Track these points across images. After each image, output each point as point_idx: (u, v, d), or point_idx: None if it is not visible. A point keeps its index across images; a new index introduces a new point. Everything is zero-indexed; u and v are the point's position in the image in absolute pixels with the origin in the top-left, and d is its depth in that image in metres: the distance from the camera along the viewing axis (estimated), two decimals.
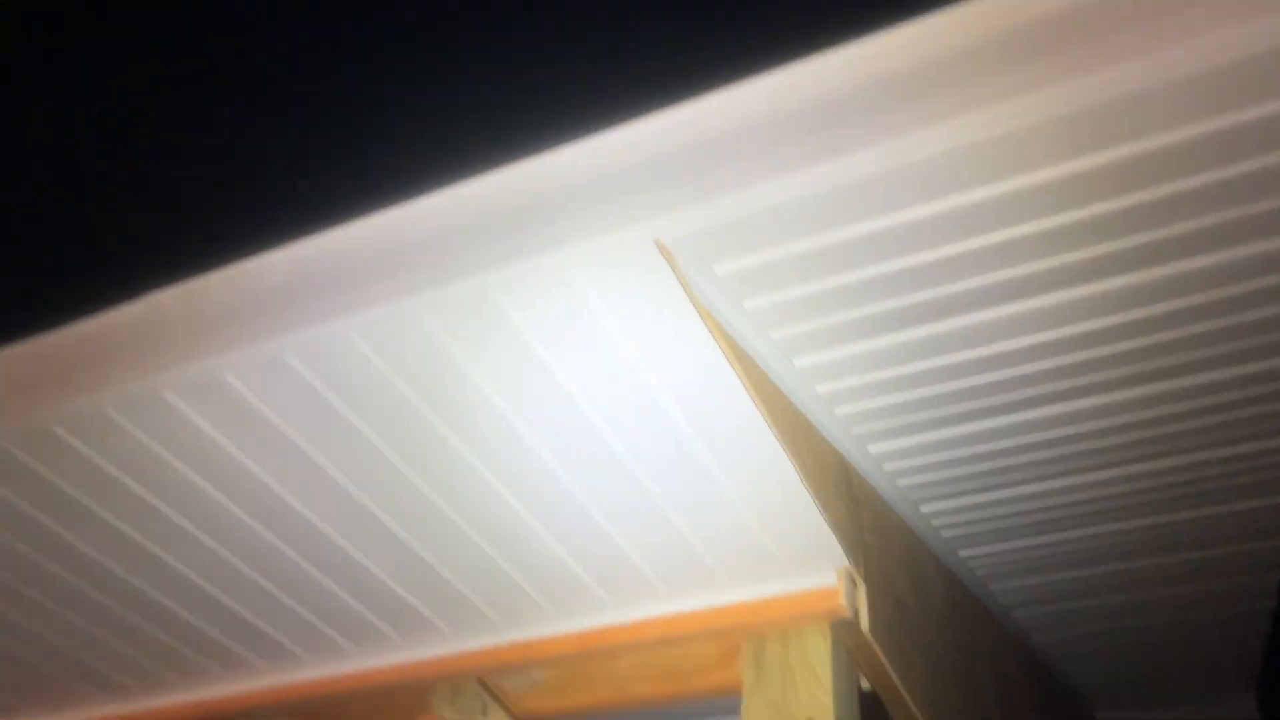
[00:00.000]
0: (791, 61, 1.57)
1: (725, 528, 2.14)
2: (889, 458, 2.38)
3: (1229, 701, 3.90)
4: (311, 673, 2.63)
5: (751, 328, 1.89)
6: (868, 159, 1.56)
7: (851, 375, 2.07)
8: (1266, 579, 3.12)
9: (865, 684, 2.30)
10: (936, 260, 1.76)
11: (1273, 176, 1.58)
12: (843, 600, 2.12)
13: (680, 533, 2.16)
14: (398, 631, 2.52)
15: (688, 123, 1.61)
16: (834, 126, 1.55)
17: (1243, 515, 2.68)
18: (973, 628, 3.01)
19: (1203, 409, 2.20)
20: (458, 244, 1.74)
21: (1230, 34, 1.38)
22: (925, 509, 2.64)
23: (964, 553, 2.93)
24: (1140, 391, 2.14)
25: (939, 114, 1.50)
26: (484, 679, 2.47)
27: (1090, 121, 1.48)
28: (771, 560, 2.18)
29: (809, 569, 2.17)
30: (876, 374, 2.07)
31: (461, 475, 2.08)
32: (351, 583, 2.40)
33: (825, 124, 1.56)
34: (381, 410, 1.97)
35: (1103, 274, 1.80)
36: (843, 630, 2.17)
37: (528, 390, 1.89)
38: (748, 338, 1.91)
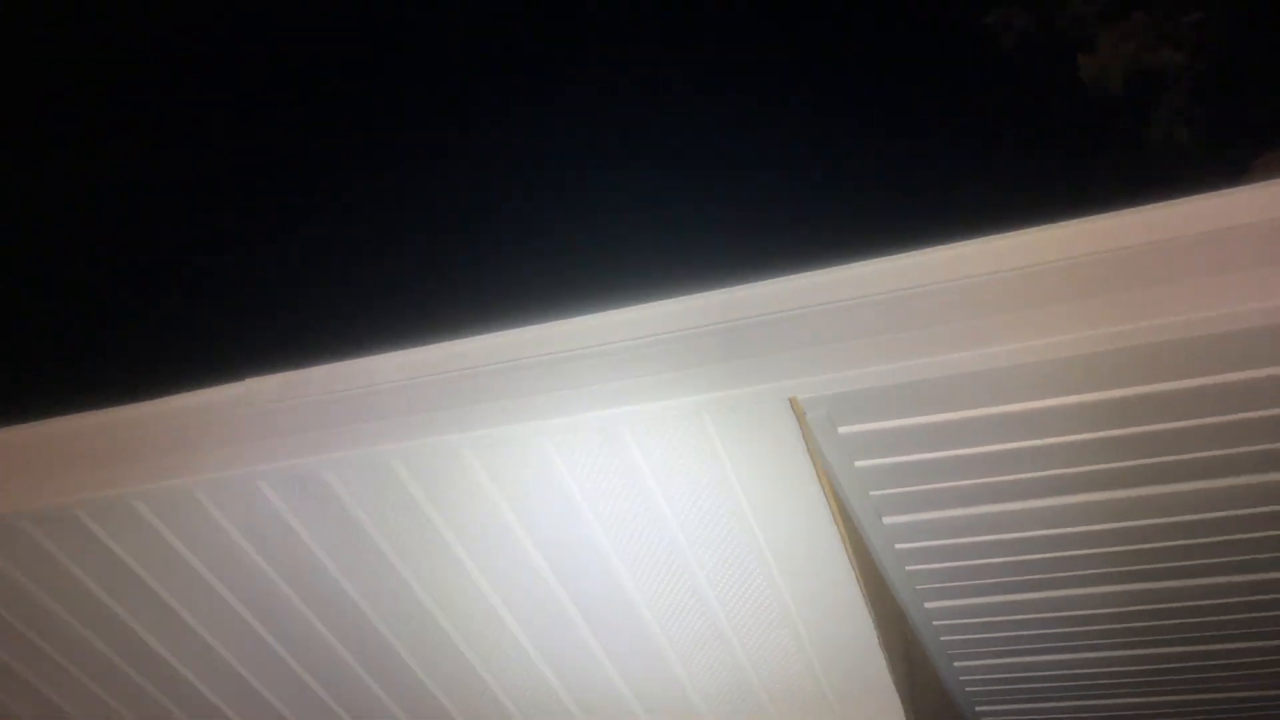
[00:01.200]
0: (951, 241, 1.61)
1: (787, 665, 2.11)
2: (940, 614, 2.38)
3: None
4: None
5: (856, 485, 1.90)
6: (1001, 353, 1.58)
7: (929, 537, 2.08)
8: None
9: None
10: (1020, 450, 1.79)
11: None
12: None
13: (738, 661, 2.13)
14: None
15: (841, 286, 1.63)
16: (981, 315, 1.58)
17: (1243, 702, 2.74)
18: None
19: (1230, 605, 2.25)
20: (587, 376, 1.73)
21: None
22: (958, 665, 2.64)
23: (980, 708, 2.93)
24: (1167, 585, 2.18)
25: (1064, 325, 1.54)
26: None
27: (1135, 358, 1.55)
28: (827, 707, 2.15)
29: None
30: (953, 540, 2.09)
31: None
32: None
33: (974, 311, 1.58)
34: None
35: (1133, 483, 1.86)
36: None
37: (635, 521, 1.87)
38: (850, 494, 1.91)
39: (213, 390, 2.02)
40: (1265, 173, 3.93)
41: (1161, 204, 1.55)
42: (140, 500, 2.02)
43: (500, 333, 1.89)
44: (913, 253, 1.64)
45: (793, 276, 1.72)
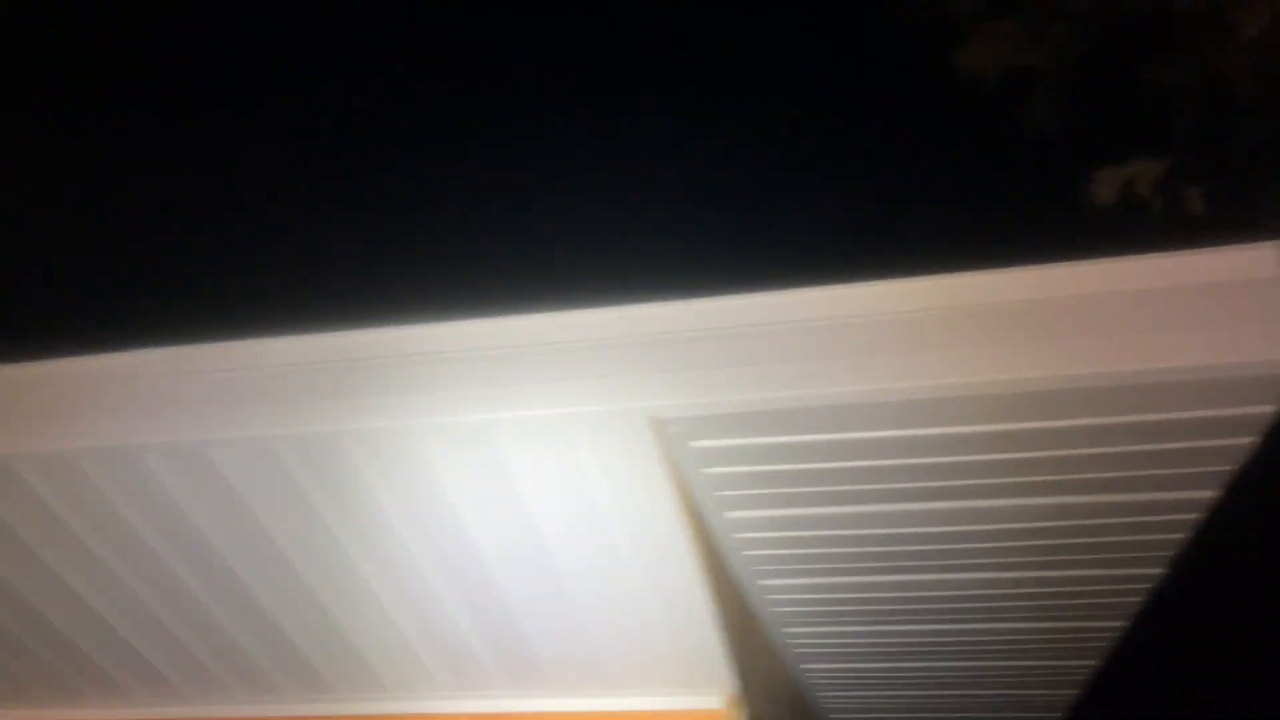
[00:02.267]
0: (822, 283, 1.82)
1: (635, 641, 2.36)
2: (775, 590, 2.67)
3: None
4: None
5: (704, 487, 2.12)
6: (845, 393, 1.80)
7: (769, 530, 2.34)
8: (1061, 695, 3.61)
9: None
10: (851, 468, 2.05)
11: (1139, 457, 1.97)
12: None
13: (594, 640, 2.36)
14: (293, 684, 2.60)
15: (706, 317, 1.83)
16: (832, 357, 1.80)
17: (1048, 633, 3.10)
18: None
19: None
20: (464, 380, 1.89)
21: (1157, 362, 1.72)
22: (789, 630, 2.95)
23: (804, 666, 3.27)
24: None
25: (903, 373, 1.78)
26: None
27: (1013, 402, 1.81)
28: (668, 677, 2.41)
29: (700, 691, 2.41)
30: (793, 532, 2.35)
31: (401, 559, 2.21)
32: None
33: (827, 352, 1.80)
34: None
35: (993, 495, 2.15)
36: None
37: (499, 514, 2.05)
38: (698, 493, 2.13)
39: (100, 359, 2.08)
40: (1110, 185, 4.30)
41: (996, 271, 1.79)
42: (22, 463, 2.08)
43: (387, 329, 2.02)
44: (777, 292, 1.83)
45: (660, 304, 1.90)
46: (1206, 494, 2.08)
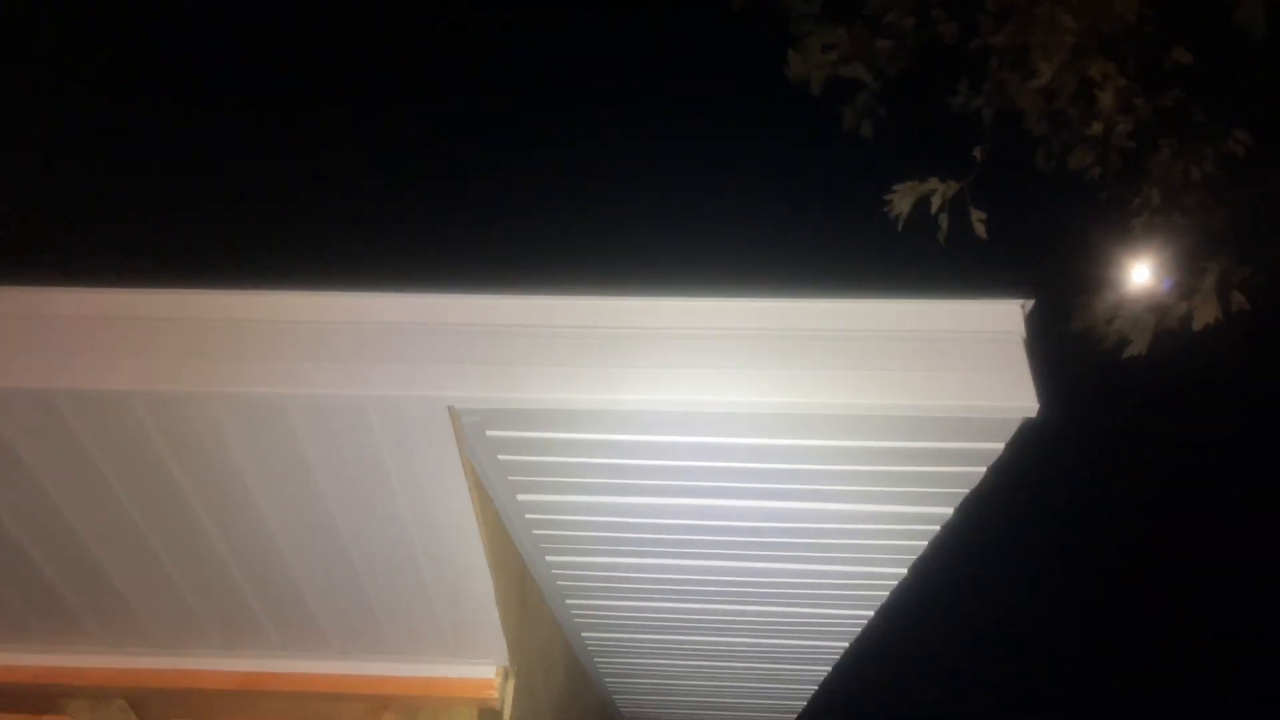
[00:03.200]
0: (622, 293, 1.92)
1: (415, 612, 2.42)
2: (560, 566, 2.79)
3: None
4: None
5: (497, 471, 2.20)
6: (631, 400, 1.92)
7: (558, 513, 2.45)
8: (814, 670, 3.92)
9: None
10: (640, 466, 2.18)
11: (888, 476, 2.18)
12: (495, 693, 2.49)
13: (374, 608, 2.40)
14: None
15: (516, 312, 1.89)
16: (630, 365, 1.91)
17: (804, 617, 3.36)
18: (583, 689, 3.51)
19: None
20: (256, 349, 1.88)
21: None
22: (571, 602, 3.09)
23: (585, 635, 3.43)
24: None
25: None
26: (133, 699, 2.53)
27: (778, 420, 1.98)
28: (444, 647, 2.49)
29: (474, 660, 2.50)
30: (580, 516, 2.47)
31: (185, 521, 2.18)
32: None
33: (624, 360, 1.91)
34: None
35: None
36: (488, 716, 2.53)
37: (292, 487, 2.06)
38: (491, 476, 2.21)
39: None
40: (906, 199, 4.55)
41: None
42: None
43: (177, 291, 1.98)
44: (585, 296, 1.92)
45: (468, 296, 1.95)
46: (944, 510, 2.33)
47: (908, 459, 2.08)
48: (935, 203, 4.57)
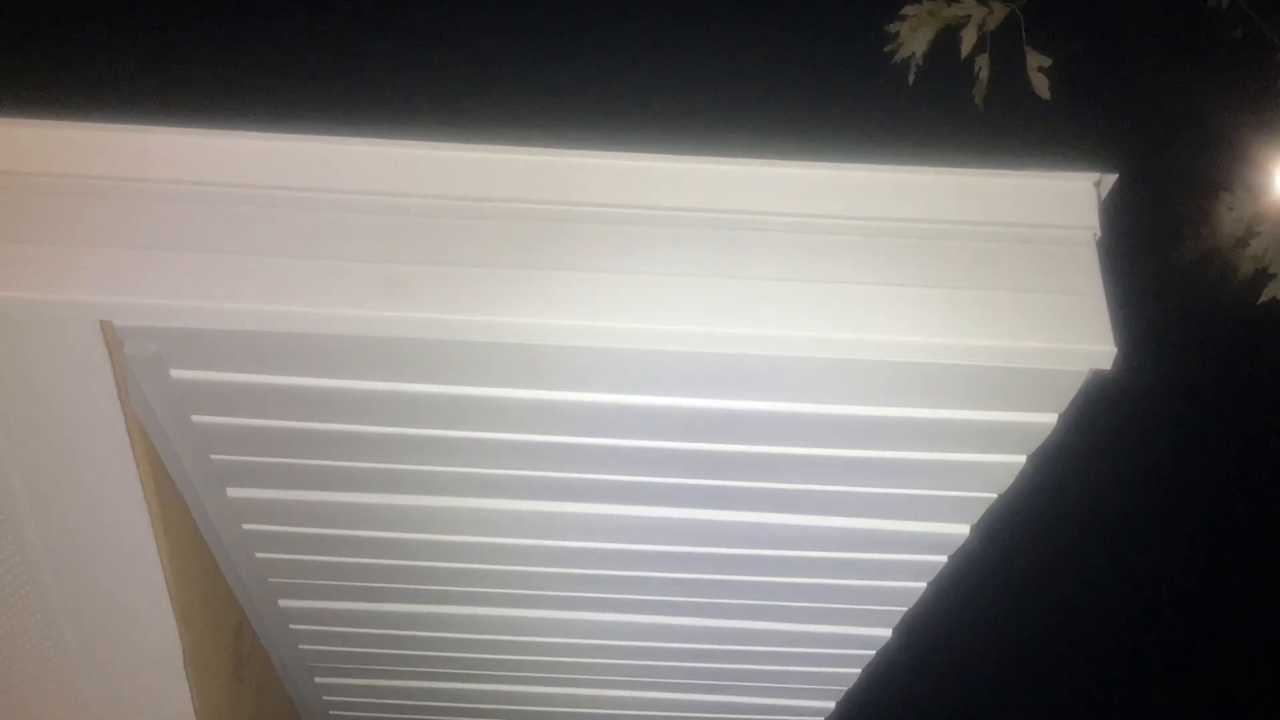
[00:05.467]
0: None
1: (46, 683, 1.70)
2: (297, 617, 2.13)
3: None
4: None
5: (192, 446, 1.58)
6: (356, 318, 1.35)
7: (287, 522, 1.83)
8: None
9: None
10: (388, 436, 1.60)
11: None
12: None
13: None
14: None
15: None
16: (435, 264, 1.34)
17: None
18: None
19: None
20: None
21: None
22: (319, 680, 2.41)
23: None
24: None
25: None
26: None
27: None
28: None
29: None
30: (314, 529, 1.86)
31: None
32: None
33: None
34: None
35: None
36: None
37: None
38: (181, 457, 1.58)
39: None
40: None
41: None
42: None
43: None
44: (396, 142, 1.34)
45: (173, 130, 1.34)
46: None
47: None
48: (967, 40, 2.69)
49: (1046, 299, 1.25)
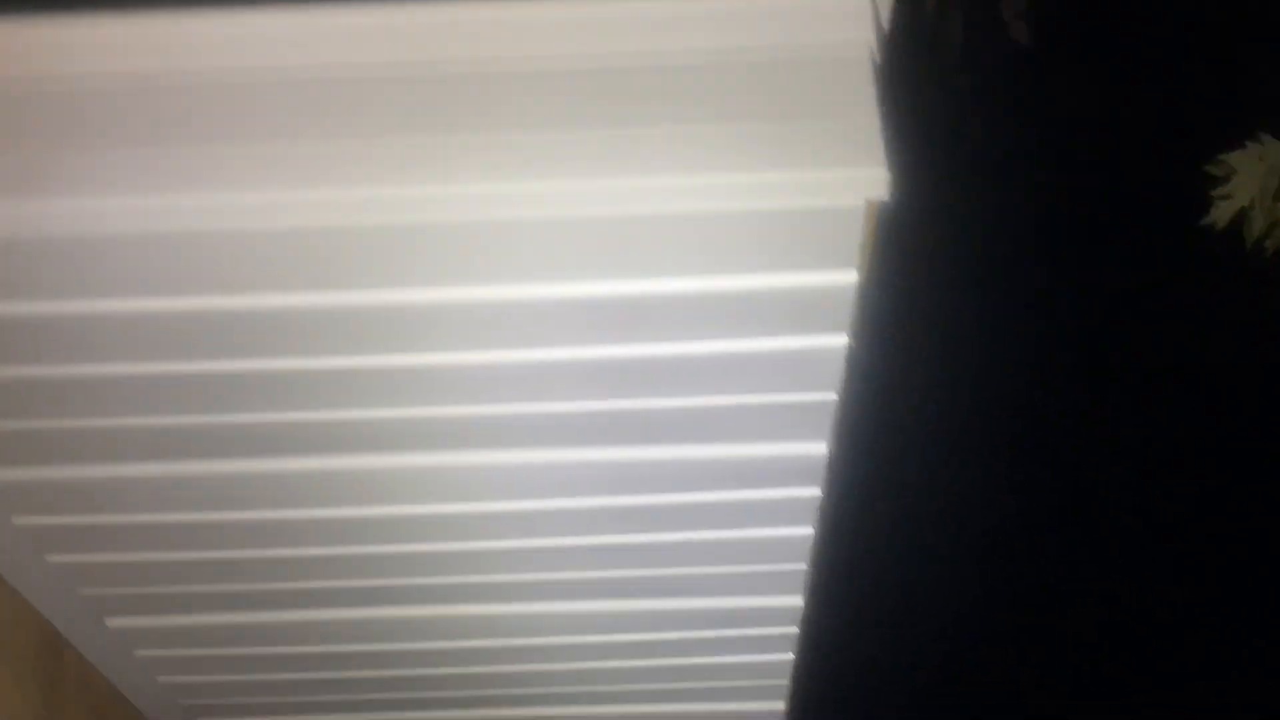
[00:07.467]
0: None
1: None
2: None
3: None
4: None
5: (56, 583, 1.58)
6: None
7: (183, 645, 1.84)
8: None
9: None
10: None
11: None
12: None
13: None
14: None
15: None
16: None
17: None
18: None
19: None
20: None
21: None
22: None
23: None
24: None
25: None
26: None
27: None
28: None
29: None
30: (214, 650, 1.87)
31: None
32: None
33: None
34: None
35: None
36: None
37: None
38: (48, 594, 1.58)
39: None
40: None
41: None
42: None
43: None
44: None
45: None
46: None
47: None
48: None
49: (816, 127, 0.99)
